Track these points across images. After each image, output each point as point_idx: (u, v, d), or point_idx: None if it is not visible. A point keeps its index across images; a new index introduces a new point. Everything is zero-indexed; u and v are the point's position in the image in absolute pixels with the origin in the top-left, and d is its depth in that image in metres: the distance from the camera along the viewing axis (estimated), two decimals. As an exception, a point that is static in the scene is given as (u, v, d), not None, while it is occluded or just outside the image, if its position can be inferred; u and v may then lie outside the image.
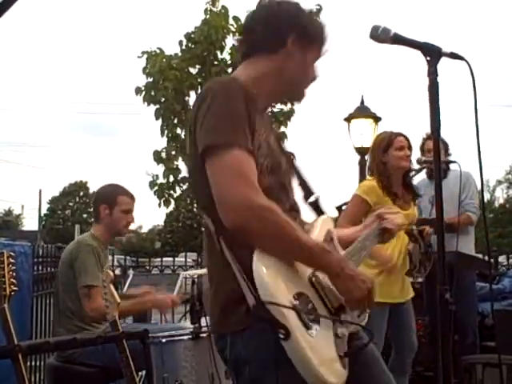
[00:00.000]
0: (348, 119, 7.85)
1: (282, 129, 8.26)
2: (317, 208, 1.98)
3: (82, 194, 51.82)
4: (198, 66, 8.75)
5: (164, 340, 3.00)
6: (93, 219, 3.72)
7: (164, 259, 7.99)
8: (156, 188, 8.77)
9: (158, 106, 8.64)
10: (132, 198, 3.66)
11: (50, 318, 4.96)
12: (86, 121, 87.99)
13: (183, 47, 8.75)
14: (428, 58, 1.66)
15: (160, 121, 8.70)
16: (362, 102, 7.94)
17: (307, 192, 1.98)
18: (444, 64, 1.65)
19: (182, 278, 5.56)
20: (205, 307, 3.00)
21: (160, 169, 8.81)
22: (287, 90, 1.93)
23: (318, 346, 1.58)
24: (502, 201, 46.73)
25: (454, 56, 1.67)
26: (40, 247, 5.00)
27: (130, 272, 7.77)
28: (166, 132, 8.75)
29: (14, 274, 2.40)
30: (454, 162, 4.55)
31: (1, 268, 2.35)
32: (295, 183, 1.94)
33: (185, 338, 3.01)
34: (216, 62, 8.70)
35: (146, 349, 2.92)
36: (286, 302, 1.54)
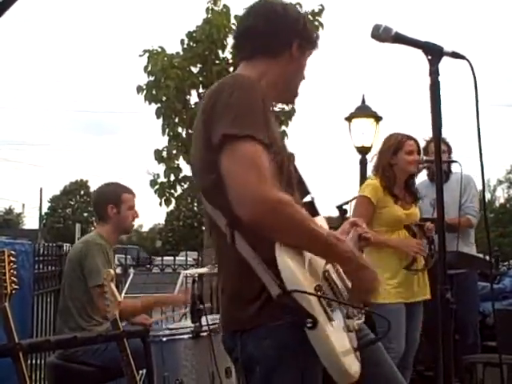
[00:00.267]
0: (349, 118, 7.85)
1: (283, 128, 8.26)
2: (312, 208, 1.98)
3: (82, 192, 51.82)
4: (199, 65, 8.75)
5: (164, 339, 3.01)
6: (95, 219, 3.72)
7: (165, 258, 7.99)
8: (157, 187, 8.77)
9: (159, 105, 8.64)
10: (132, 193, 3.71)
11: (51, 316, 4.97)
12: (86, 119, 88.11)
13: (185, 46, 8.74)
14: (429, 58, 1.65)
15: (161, 120, 8.71)
16: (363, 102, 7.94)
17: (303, 192, 1.98)
18: (445, 63, 1.65)
19: (183, 277, 5.55)
20: (205, 306, 3.00)
21: (161, 168, 8.82)
22: (285, 92, 1.96)
23: (338, 337, 1.60)
24: (502, 200, 46.72)
25: (455, 55, 1.67)
26: (41, 246, 5.01)
27: (131, 271, 7.76)
28: (167, 131, 8.75)
29: (15, 272, 2.40)
30: (455, 161, 4.55)
31: (1, 266, 2.35)
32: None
33: (185, 336, 3.01)
34: (217, 61, 8.70)
35: (147, 348, 2.92)
36: (311, 291, 1.55)
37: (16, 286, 2.38)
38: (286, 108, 8.30)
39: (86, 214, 49.06)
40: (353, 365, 1.62)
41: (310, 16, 7.43)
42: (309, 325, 1.51)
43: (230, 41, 8.76)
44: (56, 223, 50.19)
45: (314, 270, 1.67)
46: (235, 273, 1.68)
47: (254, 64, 1.89)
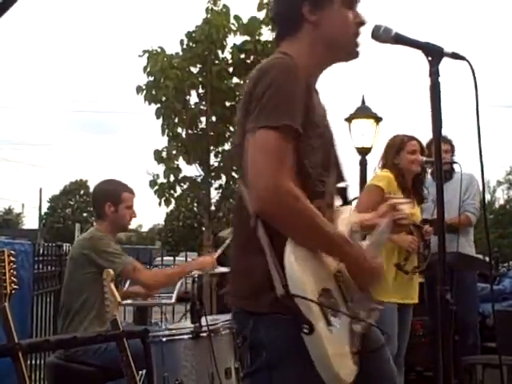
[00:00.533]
0: (349, 119, 7.85)
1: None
2: (344, 195, 1.99)
3: (82, 192, 51.80)
4: (198, 65, 8.75)
5: (164, 339, 3.00)
6: (94, 217, 3.72)
7: (164, 258, 7.99)
8: (156, 187, 8.77)
9: (158, 105, 8.64)
10: (133, 192, 3.72)
11: (51, 316, 4.97)
12: (86, 119, 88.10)
13: (184, 46, 8.74)
14: (430, 58, 1.65)
15: (161, 120, 8.71)
16: (363, 102, 7.94)
17: (339, 176, 1.99)
18: (446, 64, 1.65)
19: (183, 278, 5.55)
20: (205, 306, 3.00)
21: (160, 168, 8.82)
22: (334, 53, 1.86)
23: (335, 342, 1.60)
24: (502, 202, 46.73)
25: (455, 56, 1.67)
26: (40, 246, 5.01)
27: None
28: (166, 131, 8.75)
29: (15, 272, 2.40)
30: (456, 162, 4.57)
31: (1, 266, 2.35)
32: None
33: (185, 337, 3.00)
34: (217, 61, 8.70)
35: (147, 348, 2.92)
36: (312, 297, 1.55)
37: (15, 286, 2.38)
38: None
39: (85, 214, 49.05)
40: (345, 369, 1.62)
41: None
42: (305, 330, 1.53)
43: (230, 41, 8.77)
44: (56, 223, 50.17)
45: (325, 270, 1.67)
46: (254, 259, 1.66)
47: (286, 46, 1.84)
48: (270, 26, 8.73)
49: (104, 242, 3.42)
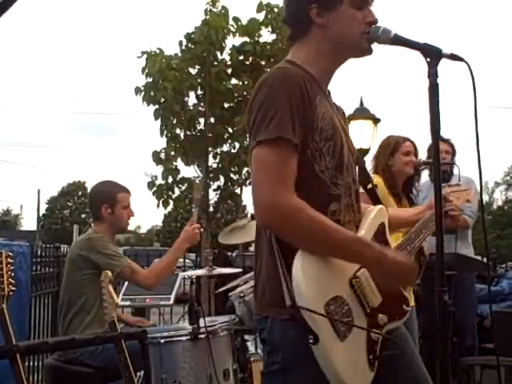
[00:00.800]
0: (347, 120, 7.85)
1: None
2: (374, 196, 2.00)
3: (80, 194, 51.76)
4: (197, 67, 8.75)
5: (162, 341, 3.00)
6: (92, 219, 3.72)
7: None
8: (155, 189, 8.77)
9: (157, 107, 8.64)
10: (128, 192, 3.72)
11: (49, 317, 4.97)
12: (84, 121, 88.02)
13: (183, 47, 8.75)
14: (428, 60, 1.65)
15: (159, 121, 8.71)
16: (361, 104, 7.93)
17: (366, 178, 2.00)
18: (444, 65, 1.65)
19: (181, 279, 5.56)
20: (203, 307, 3.00)
21: (159, 169, 8.82)
22: (342, 53, 1.86)
23: (346, 351, 1.62)
24: (500, 203, 46.80)
25: (454, 57, 1.67)
26: (38, 247, 5.00)
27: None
28: (165, 132, 8.75)
29: (13, 274, 2.39)
30: (454, 164, 4.57)
31: (-1, 268, 2.34)
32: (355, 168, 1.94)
33: (183, 338, 3.01)
34: (216, 63, 8.70)
35: (145, 349, 2.92)
36: (319, 308, 1.57)
37: (13, 288, 2.37)
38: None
39: (83, 216, 49.02)
40: (355, 377, 1.64)
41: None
42: (310, 341, 1.56)
43: (229, 42, 8.77)
44: (54, 224, 50.16)
45: (338, 277, 1.67)
46: (271, 267, 1.68)
47: (297, 48, 1.85)
48: (269, 28, 8.74)
49: (102, 243, 3.42)
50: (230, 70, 8.79)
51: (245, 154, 8.33)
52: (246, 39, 8.72)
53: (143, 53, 8.64)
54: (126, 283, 4.41)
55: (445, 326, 1.64)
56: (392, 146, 3.73)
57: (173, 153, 8.81)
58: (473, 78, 1.65)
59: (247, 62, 8.77)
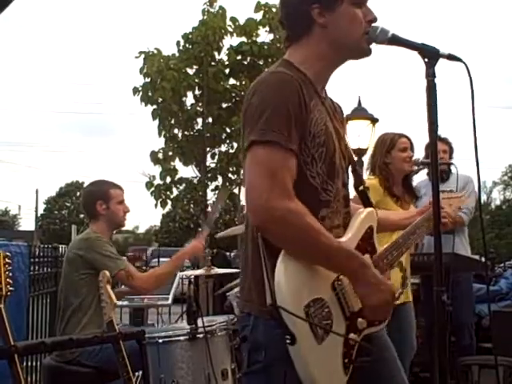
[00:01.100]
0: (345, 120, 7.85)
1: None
2: (365, 198, 1.99)
3: (78, 194, 51.63)
4: (195, 67, 8.76)
5: (160, 340, 3.00)
6: (87, 219, 3.71)
7: (161, 260, 7.97)
8: (153, 189, 8.77)
9: (155, 107, 8.64)
10: (121, 188, 3.71)
11: (47, 318, 4.96)
12: (82, 121, 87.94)
13: (181, 47, 8.75)
14: (426, 60, 1.66)
15: (157, 121, 8.71)
16: (359, 104, 7.94)
17: (358, 180, 1.99)
18: (442, 65, 1.65)
19: (179, 279, 5.56)
20: (201, 307, 2.99)
21: (157, 169, 8.82)
22: (342, 54, 1.84)
23: (321, 354, 1.61)
24: (498, 202, 46.87)
25: (451, 58, 1.67)
26: (36, 247, 4.99)
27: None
28: (163, 132, 8.75)
29: (10, 274, 2.39)
30: (452, 163, 4.57)
31: (-3, 268, 2.34)
32: (349, 170, 1.94)
33: (181, 338, 3.00)
34: (213, 63, 8.71)
35: (143, 349, 2.91)
36: (299, 310, 1.57)
37: (11, 288, 2.36)
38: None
39: (81, 216, 48.83)
40: (330, 382, 1.64)
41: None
42: (287, 341, 1.56)
43: (226, 42, 8.78)
44: (52, 225, 50.07)
45: (320, 279, 1.67)
46: (257, 265, 1.68)
47: (295, 49, 1.83)
48: (266, 28, 8.75)
49: (100, 243, 3.41)
50: (227, 70, 8.80)
51: (243, 154, 8.33)
52: (244, 39, 8.72)
53: (141, 53, 8.65)
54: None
55: (443, 325, 1.64)
56: (388, 144, 3.72)
57: (171, 153, 8.81)
58: (470, 79, 1.65)
59: (245, 62, 8.77)
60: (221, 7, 8.69)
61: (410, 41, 1.71)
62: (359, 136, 7.74)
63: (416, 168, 3.92)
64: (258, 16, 8.73)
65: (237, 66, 8.75)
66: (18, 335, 3.19)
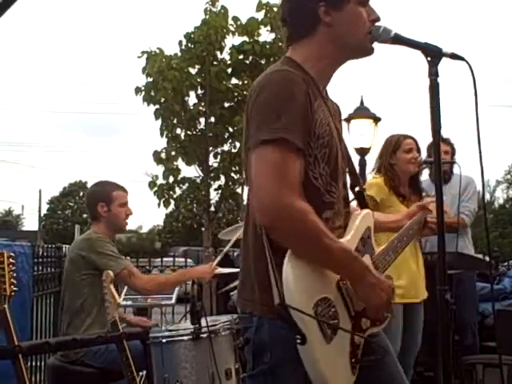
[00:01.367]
0: (347, 120, 7.85)
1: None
2: (361, 199, 1.99)
3: (81, 194, 51.64)
4: (197, 66, 8.76)
5: (164, 340, 3.00)
6: (91, 220, 3.71)
7: (164, 259, 7.97)
8: (156, 188, 8.77)
9: (157, 106, 8.64)
10: (125, 190, 3.70)
11: (51, 318, 4.97)
12: (85, 121, 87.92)
13: (183, 47, 8.75)
14: (429, 59, 1.66)
15: (160, 121, 8.71)
16: (362, 103, 7.94)
17: (355, 181, 1.99)
18: (445, 64, 1.65)
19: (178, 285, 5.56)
20: (205, 307, 2.99)
21: (160, 169, 8.82)
22: (345, 53, 1.84)
23: (331, 354, 1.62)
24: (501, 201, 46.77)
25: (454, 57, 1.67)
26: (40, 247, 5.00)
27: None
28: (165, 132, 8.75)
29: (14, 274, 2.40)
30: (455, 163, 4.57)
31: (1, 269, 2.34)
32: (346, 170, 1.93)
33: (185, 338, 3.01)
34: (215, 62, 8.70)
35: (147, 349, 2.92)
36: (308, 309, 1.56)
37: (15, 288, 2.37)
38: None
39: (84, 216, 48.85)
40: (338, 379, 1.64)
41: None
42: (298, 341, 1.55)
43: (228, 42, 8.78)
44: (55, 225, 50.13)
45: (326, 278, 1.67)
46: (261, 264, 1.67)
47: (298, 48, 1.82)
48: (268, 27, 8.74)
49: (101, 243, 3.42)
50: (229, 70, 8.80)
51: (245, 154, 8.33)
52: (246, 38, 8.72)
53: (143, 53, 8.65)
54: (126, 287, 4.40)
55: (447, 325, 1.64)
56: (393, 145, 3.74)
57: (173, 153, 8.81)
58: (473, 78, 1.65)
59: (247, 62, 8.77)
60: (223, 7, 8.69)
61: (413, 40, 1.71)
62: (362, 135, 7.74)
63: (421, 167, 3.93)
64: (260, 15, 8.73)
65: (239, 65, 8.75)
66: (22, 335, 3.19)
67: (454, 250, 3.66)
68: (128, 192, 3.71)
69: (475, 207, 4.76)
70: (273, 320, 1.62)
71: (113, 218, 3.58)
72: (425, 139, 4.32)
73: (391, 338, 3.38)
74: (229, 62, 8.78)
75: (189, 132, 8.91)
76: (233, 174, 9.06)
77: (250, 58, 8.75)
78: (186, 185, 8.96)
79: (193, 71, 8.77)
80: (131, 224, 3.70)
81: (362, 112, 7.87)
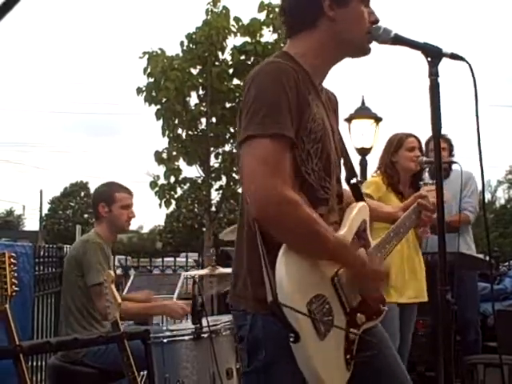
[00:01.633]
0: (349, 120, 7.85)
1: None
2: (357, 191, 1.98)
3: (82, 194, 51.76)
4: (199, 67, 8.77)
5: (165, 340, 3.01)
6: (94, 220, 3.72)
7: (165, 259, 7.97)
8: (157, 189, 8.79)
9: (159, 107, 8.65)
10: (130, 193, 3.68)
11: (52, 318, 4.97)
12: (87, 121, 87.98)
13: (184, 48, 8.76)
14: (429, 59, 1.66)
15: (161, 121, 8.72)
16: (363, 103, 7.94)
17: (350, 173, 1.98)
18: (445, 64, 1.65)
19: (183, 279, 5.56)
20: (206, 307, 3.00)
21: (161, 169, 8.84)
22: (343, 49, 1.84)
23: (325, 351, 1.61)
24: (503, 201, 46.75)
25: (454, 57, 1.67)
26: (41, 248, 5.00)
27: (132, 272, 7.76)
28: (166, 132, 8.76)
29: (16, 274, 2.40)
30: (456, 162, 4.56)
31: (2, 268, 2.35)
32: (342, 163, 1.93)
33: (186, 338, 3.01)
34: (217, 63, 8.72)
35: (148, 349, 2.92)
36: (301, 306, 1.56)
37: (16, 288, 2.37)
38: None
39: (86, 216, 48.99)
40: (332, 376, 1.64)
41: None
42: (291, 339, 1.54)
43: (230, 42, 8.79)
44: (56, 225, 50.15)
45: (320, 275, 1.66)
46: (254, 261, 1.66)
47: (297, 41, 1.82)
48: (270, 27, 8.75)
49: (94, 250, 3.38)
50: (231, 70, 8.81)
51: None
52: (248, 39, 8.73)
53: (145, 53, 8.67)
54: (129, 283, 4.41)
55: (448, 325, 1.64)
56: (395, 143, 3.76)
57: (175, 153, 8.83)
58: (474, 78, 1.65)
59: (248, 62, 8.78)
60: (224, 7, 8.71)
61: (413, 40, 1.71)
62: (363, 135, 7.74)
63: (422, 166, 3.92)
64: (262, 16, 8.74)
65: (240, 65, 8.76)
66: (23, 335, 3.19)
67: (456, 250, 3.66)
68: (133, 194, 3.68)
69: (477, 203, 4.76)
70: (266, 316, 1.61)
71: (113, 219, 3.56)
72: (425, 139, 4.33)
73: (390, 337, 3.41)
74: (230, 63, 8.80)
75: (190, 132, 8.92)
76: (234, 174, 9.07)
77: (252, 58, 8.76)
78: (187, 185, 8.98)
79: (194, 72, 8.79)
80: (132, 224, 3.68)
81: (363, 112, 7.87)
